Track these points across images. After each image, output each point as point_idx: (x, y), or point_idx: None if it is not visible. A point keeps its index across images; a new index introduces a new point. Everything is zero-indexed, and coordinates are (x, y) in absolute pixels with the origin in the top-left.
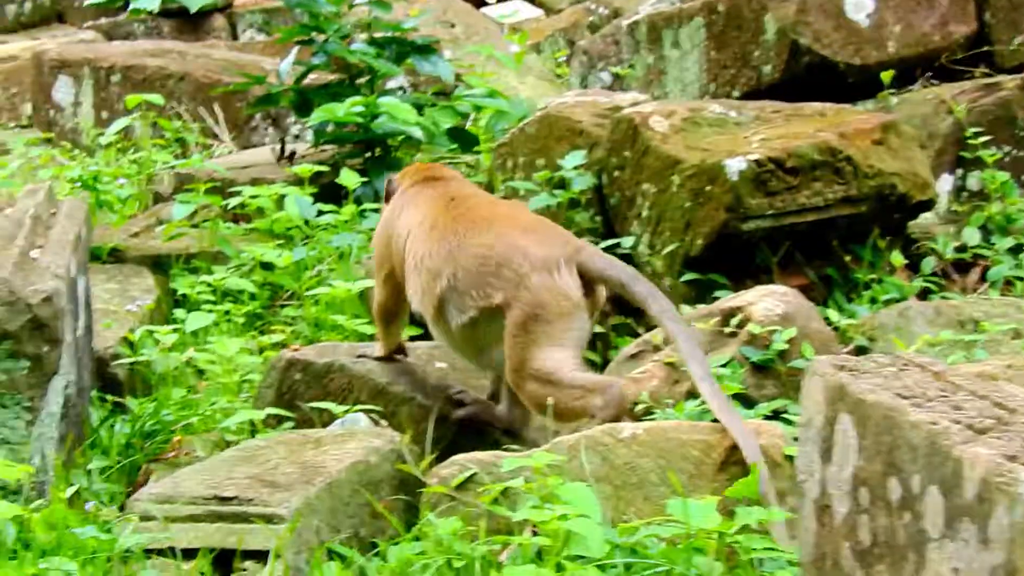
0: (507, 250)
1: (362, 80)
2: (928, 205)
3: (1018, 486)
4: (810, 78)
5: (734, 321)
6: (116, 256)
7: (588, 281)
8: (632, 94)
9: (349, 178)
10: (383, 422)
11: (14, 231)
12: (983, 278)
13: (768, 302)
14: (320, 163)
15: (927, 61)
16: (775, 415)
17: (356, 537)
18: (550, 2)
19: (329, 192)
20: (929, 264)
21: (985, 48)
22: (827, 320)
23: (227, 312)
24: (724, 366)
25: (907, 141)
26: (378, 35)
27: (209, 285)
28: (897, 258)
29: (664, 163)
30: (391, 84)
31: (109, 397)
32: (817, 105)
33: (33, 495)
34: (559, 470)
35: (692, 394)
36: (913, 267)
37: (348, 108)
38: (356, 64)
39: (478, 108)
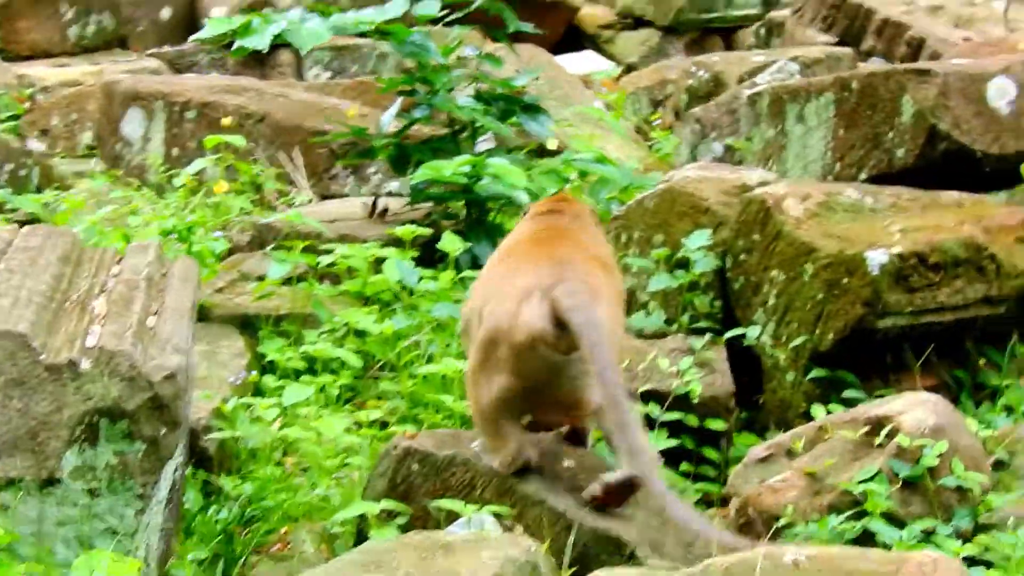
0: (501, 280)
1: (463, 136)
2: None
3: None
4: (945, 165)
5: (884, 432)
6: (202, 313)
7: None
8: (759, 172)
9: (451, 242)
10: (517, 527)
11: (129, 295)
12: None
13: (919, 412)
14: (414, 222)
15: None
16: (926, 537)
17: None
18: (620, 55)
19: (423, 254)
20: None
21: None
22: None
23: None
24: (871, 480)
25: None
26: (484, 90)
27: (305, 354)
28: None
29: (797, 250)
30: (480, 142)
31: (200, 474)
32: (955, 195)
33: None
34: None
35: (836, 508)
36: None
37: (456, 167)
38: (460, 120)
39: (583, 174)
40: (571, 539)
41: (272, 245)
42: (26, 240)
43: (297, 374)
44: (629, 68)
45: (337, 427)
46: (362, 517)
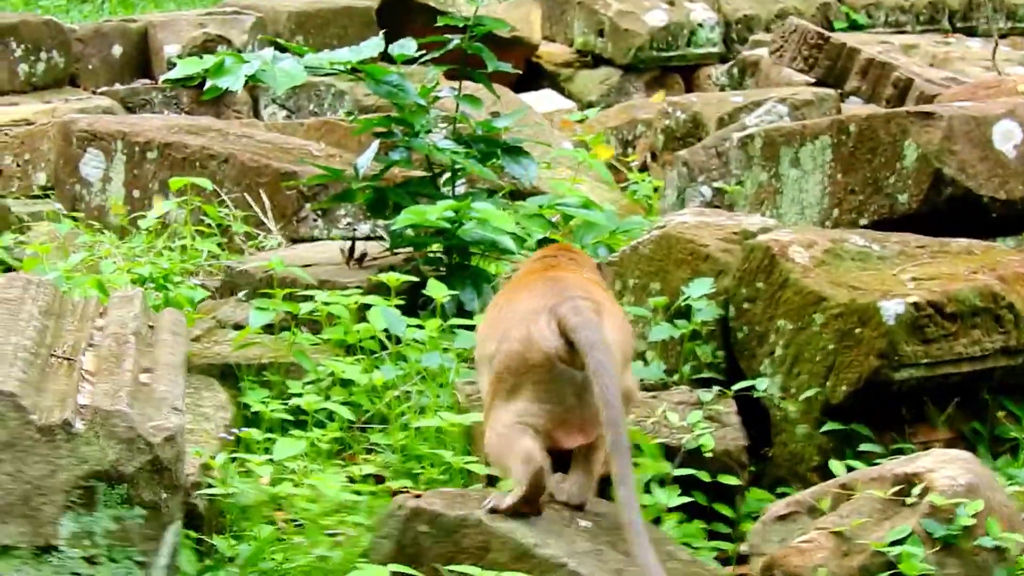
0: (508, 314)
1: (443, 179)
2: None
3: None
4: (950, 210)
5: (915, 491)
6: None
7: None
8: (758, 218)
9: (437, 289)
10: None
11: (119, 351)
12: None
13: (951, 470)
14: (394, 268)
15: None
16: None
17: None
18: (579, 93)
19: (405, 301)
20: None
21: None
22: None
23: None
24: (903, 541)
25: None
26: (464, 132)
27: (289, 406)
28: None
29: (805, 299)
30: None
31: (191, 533)
32: (964, 241)
33: None
34: None
35: (868, 570)
36: None
37: (441, 212)
38: (439, 162)
39: (567, 218)
40: None
41: (245, 291)
42: (5, 292)
43: (283, 425)
44: (589, 106)
45: (333, 483)
46: None
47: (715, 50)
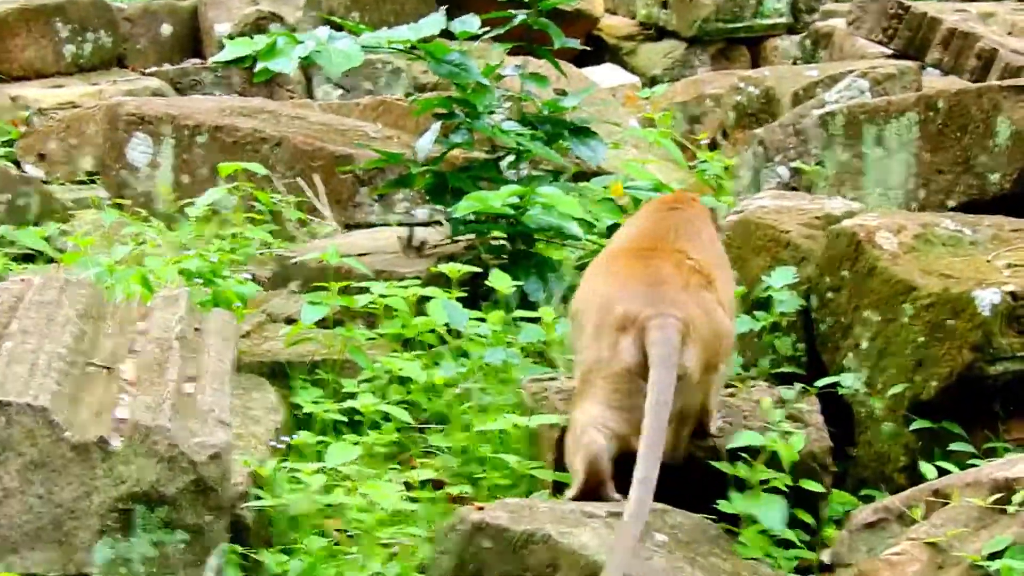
0: (605, 293)
1: (506, 163)
2: None
3: None
4: None
5: (1016, 498)
6: None
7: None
8: (840, 201)
9: (500, 280)
10: None
11: (162, 358)
12: None
13: None
14: (454, 257)
15: None
16: None
17: None
18: (642, 67)
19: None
20: None
21: None
22: None
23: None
24: (1003, 554)
25: None
26: (529, 112)
27: (343, 407)
28: None
29: (894, 288)
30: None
31: (237, 548)
32: None
33: None
34: None
35: None
36: None
37: (505, 198)
38: (503, 145)
39: (637, 202)
40: None
41: (298, 282)
42: (41, 294)
43: (335, 427)
44: (653, 80)
45: (389, 491)
46: None
47: (783, 20)
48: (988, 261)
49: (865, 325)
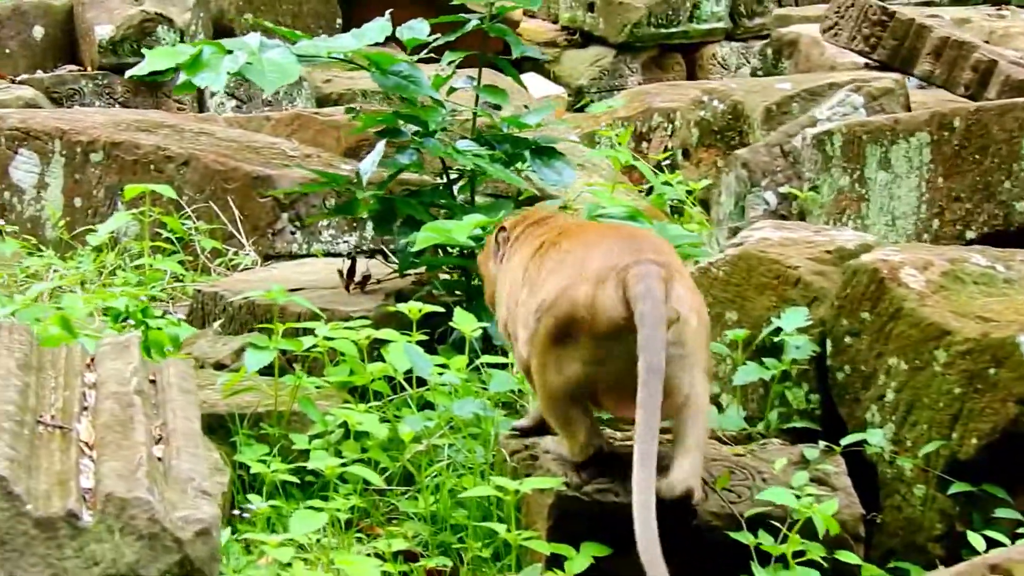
0: (567, 261)
1: (458, 186)
2: None
3: None
4: None
5: None
6: None
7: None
8: (852, 232)
9: (464, 320)
10: None
11: (125, 416)
12: None
13: None
14: (402, 293)
15: None
16: None
17: None
18: (567, 77)
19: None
20: None
21: None
22: None
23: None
24: None
25: None
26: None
27: (294, 466)
28: None
29: (924, 332)
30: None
31: None
32: None
33: None
34: None
35: None
36: None
37: (469, 230)
38: (459, 167)
39: None
40: None
41: (220, 321)
42: None
43: (284, 487)
44: (579, 91)
45: (369, 568)
46: None
47: (721, 25)
48: None
49: (890, 374)
